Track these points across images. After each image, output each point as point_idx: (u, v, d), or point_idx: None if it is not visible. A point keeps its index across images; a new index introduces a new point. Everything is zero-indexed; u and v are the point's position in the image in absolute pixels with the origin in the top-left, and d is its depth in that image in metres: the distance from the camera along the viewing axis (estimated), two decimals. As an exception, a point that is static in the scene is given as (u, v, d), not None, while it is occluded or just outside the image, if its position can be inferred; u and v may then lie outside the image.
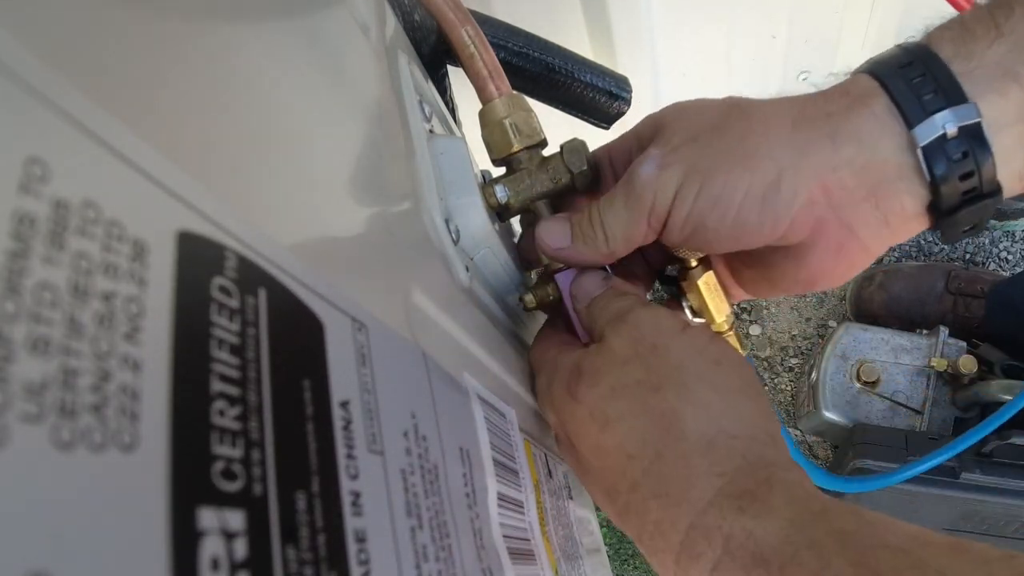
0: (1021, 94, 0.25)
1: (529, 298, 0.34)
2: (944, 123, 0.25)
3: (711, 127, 0.28)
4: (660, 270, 0.37)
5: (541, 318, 0.41)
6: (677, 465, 0.24)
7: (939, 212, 0.27)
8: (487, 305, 0.34)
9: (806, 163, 0.26)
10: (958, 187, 0.26)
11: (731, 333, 0.36)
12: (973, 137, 0.25)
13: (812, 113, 0.27)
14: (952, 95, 0.25)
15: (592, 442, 0.26)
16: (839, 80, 0.29)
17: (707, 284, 0.34)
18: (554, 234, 0.32)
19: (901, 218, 0.28)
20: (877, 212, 0.28)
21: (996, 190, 0.26)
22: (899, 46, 0.27)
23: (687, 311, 0.36)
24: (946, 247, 1.08)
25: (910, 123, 0.25)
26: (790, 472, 0.23)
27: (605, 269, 0.34)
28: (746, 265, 0.34)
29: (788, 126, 0.27)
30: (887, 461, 0.84)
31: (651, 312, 0.29)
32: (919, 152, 0.26)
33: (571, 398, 0.27)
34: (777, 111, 0.28)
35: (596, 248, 0.31)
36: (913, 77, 0.26)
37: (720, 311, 0.35)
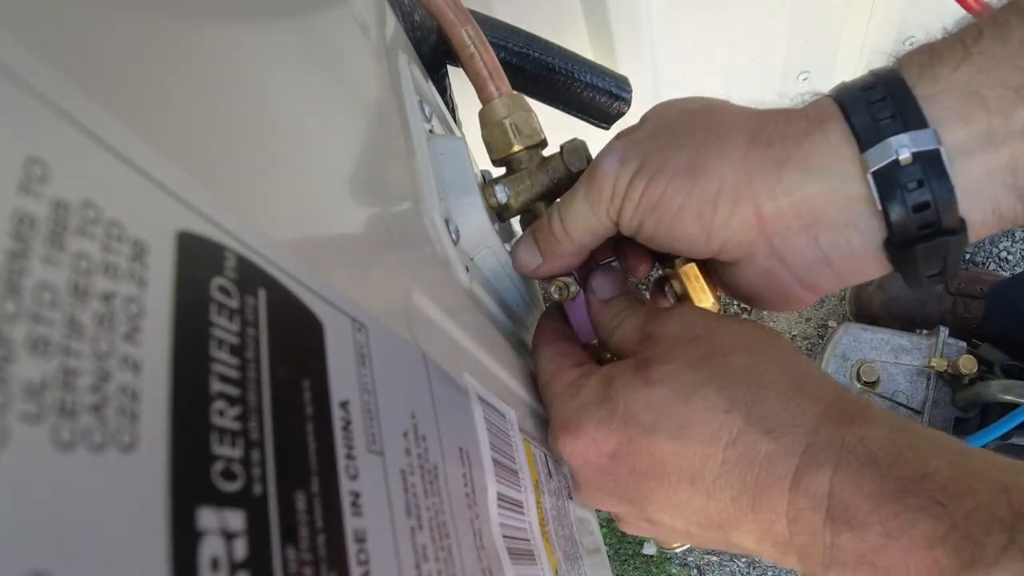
0: (987, 119, 0.23)
1: (568, 294, 0.34)
2: (898, 147, 0.23)
3: (675, 127, 0.29)
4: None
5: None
6: (777, 403, 0.24)
7: (893, 248, 0.25)
8: (487, 305, 0.34)
9: (747, 188, 0.26)
10: (912, 219, 0.24)
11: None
12: (930, 165, 0.23)
13: (768, 135, 0.26)
14: (911, 119, 0.24)
15: (676, 420, 0.25)
16: (811, 99, 0.28)
17: (687, 274, 0.35)
18: (524, 256, 0.33)
19: (845, 255, 0.27)
20: (816, 247, 0.27)
21: (958, 227, 0.25)
22: (871, 71, 0.26)
23: (670, 296, 0.36)
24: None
25: (862, 146, 0.24)
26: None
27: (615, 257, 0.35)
28: (707, 270, 0.34)
29: (742, 145, 0.26)
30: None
31: (684, 307, 0.30)
32: (869, 177, 0.24)
33: (645, 384, 0.26)
34: (738, 126, 0.27)
35: (563, 249, 0.31)
36: (873, 100, 0.24)
37: (701, 299, 0.35)
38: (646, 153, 0.28)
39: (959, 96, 0.23)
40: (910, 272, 0.26)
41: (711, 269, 0.33)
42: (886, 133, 0.24)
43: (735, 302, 1.29)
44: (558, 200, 0.33)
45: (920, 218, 0.24)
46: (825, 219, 0.26)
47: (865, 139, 0.24)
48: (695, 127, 0.28)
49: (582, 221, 0.30)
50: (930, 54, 0.25)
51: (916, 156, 0.23)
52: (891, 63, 0.26)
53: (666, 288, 0.36)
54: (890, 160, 0.24)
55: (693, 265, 0.35)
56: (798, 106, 0.28)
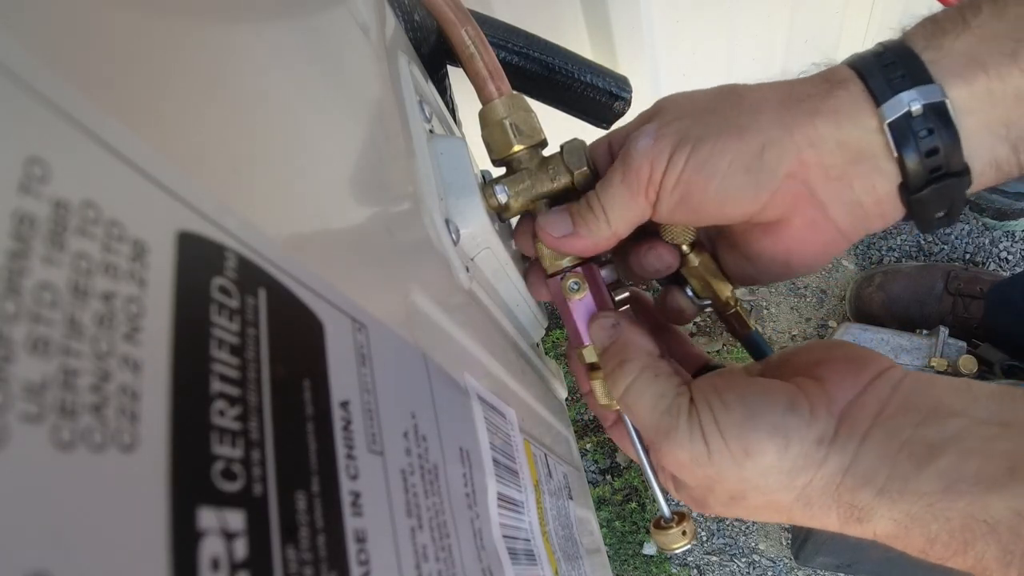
0: (988, 81, 0.26)
1: (584, 291, 0.34)
2: (910, 101, 0.27)
3: (704, 107, 0.30)
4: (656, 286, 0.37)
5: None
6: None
7: (908, 191, 0.28)
8: (487, 306, 0.34)
9: (789, 138, 0.28)
10: (924, 164, 0.27)
11: (737, 309, 0.37)
12: (938, 116, 0.27)
13: (797, 94, 0.29)
14: (918, 77, 0.27)
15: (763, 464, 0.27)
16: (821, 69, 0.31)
17: (705, 265, 0.35)
18: (556, 223, 0.32)
19: (874, 199, 0.29)
20: (851, 192, 0.29)
21: (963, 170, 0.28)
22: (879, 43, 0.30)
23: (691, 297, 0.36)
24: (946, 247, 1.08)
25: (878, 101, 0.27)
26: None
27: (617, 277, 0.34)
28: (729, 247, 0.35)
29: (775, 105, 0.29)
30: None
31: (659, 382, 0.30)
32: (886, 128, 0.27)
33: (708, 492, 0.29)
34: (767, 93, 0.30)
35: (600, 231, 0.32)
36: (885, 63, 0.28)
37: (722, 289, 0.36)
38: (683, 128, 0.29)
39: (961, 60, 0.27)
40: (921, 214, 0.29)
41: (736, 247, 0.34)
42: (898, 88, 0.27)
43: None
44: (595, 186, 0.33)
45: (930, 162, 0.27)
46: (855, 163, 0.29)
47: (880, 95, 0.27)
48: (723, 102, 0.30)
49: (620, 206, 0.31)
50: (933, 26, 0.28)
51: (925, 108, 0.27)
52: (898, 36, 0.29)
53: (687, 290, 0.36)
54: (903, 112, 0.27)
55: (707, 256, 0.35)
56: (813, 74, 0.31)
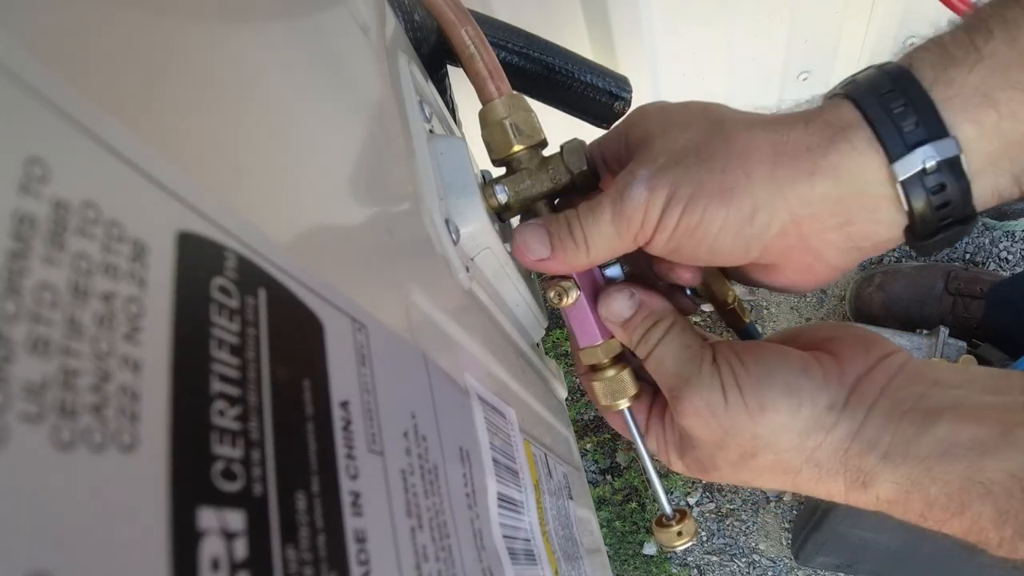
0: (998, 121, 0.25)
1: (567, 300, 0.34)
2: (925, 158, 0.25)
3: (695, 151, 0.29)
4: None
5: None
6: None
7: (915, 237, 0.28)
8: (487, 306, 0.34)
9: (781, 200, 0.28)
10: (934, 216, 0.27)
11: (735, 306, 0.37)
12: (951, 170, 0.26)
13: (793, 147, 0.28)
14: (933, 128, 0.26)
15: (779, 420, 0.28)
16: (819, 102, 0.29)
17: (709, 270, 0.35)
18: (533, 244, 0.32)
19: (872, 243, 0.29)
20: (848, 240, 0.29)
21: (971, 215, 0.27)
22: (879, 68, 0.28)
23: (690, 297, 0.36)
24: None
25: (891, 157, 0.26)
26: None
27: (618, 266, 0.34)
28: (730, 270, 0.36)
29: (768, 160, 0.28)
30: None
31: (686, 338, 0.32)
32: (898, 186, 0.26)
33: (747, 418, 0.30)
34: (758, 142, 0.28)
35: (577, 260, 0.32)
36: (894, 107, 0.26)
37: (722, 291, 0.36)
38: (675, 179, 0.29)
39: (972, 98, 0.25)
40: (924, 250, 0.29)
41: (734, 270, 0.34)
42: (911, 142, 0.26)
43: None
44: (581, 204, 0.32)
45: (940, 214, 0.27)
46: (855, 216, 0.28)
47: (893, 150, 0.26)
48: (713, 148, 0.29)
49: (605, 243, 0.31)
50: (941, 53, 0.26)
51: (939, 164, 0.26)
52: (900, 59, 0.27)
53: (687, 291, 0.36)
54: (917, 170, 0.26)
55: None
56: (811, 109, 0.29)
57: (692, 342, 0.31)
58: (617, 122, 0.48)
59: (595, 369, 0.34)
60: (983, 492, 0.24)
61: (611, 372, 0.34)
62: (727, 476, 0.31)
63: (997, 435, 0.24)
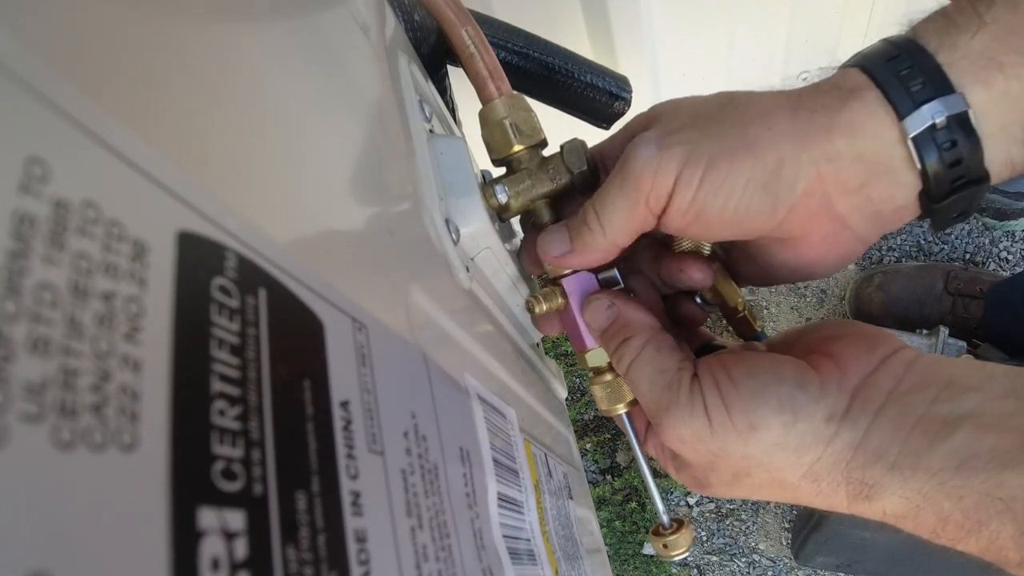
0: (1005, 83, 0.25)
1: (540, 308, 0.34)
2: (933, 114, 0.26)
3: (709, 116, 0.29)
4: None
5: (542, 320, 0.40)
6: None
7: (930, 200, 0.28)
8: (487, 306, 0.34)
9: (805, 154, 0.27)
10: (948, 175, 0.27)
11: (745, 313, 0.37)
12: (961, 126, 0.26)
13: (809, 105, 0.28)
14: (940, 86, 0.26)
15: (772, 438, 0.27)
16: (828, 74, 0.29)
17: (718, 273, 0.35)
18: (554, 242, 0.32)
19: (893, 207, 0.28)
20: (869, 203, 0.28)
21: (984, 176, 0.27)
22: (885, 40, 0.28)
23: (700, 305, 0.36)
24: (946, 247, 1.08)
25: (900, 114, 0.26)
26: None
27: (615, 271, 0.34)
28: (744, 258, 0.34)
29: (787, 117, 0.28)
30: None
31: (661, 354, 0.30)
32: (910, 142, 0.26)
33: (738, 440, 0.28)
34: (774, 103, 0.28)
35: (596, 243, 0.31)
36: (901, 69, 0.26)
37: (732, 296, 0.36)
38: (690, 140, 0.28)
39: (977, 61, 0.25)
40: (939, 216, 0.29)
41: (751, 257, 0.33)
42: (919, 100, 0.26)
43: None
44: (590, 199, 0.32)
45: (953, 173, 0.27)
46: (874, 176, 0.28)
47: (902, 107, 0.26)
48: (728, 112, 0.28)
49: (620, 217, 0.30)
50: (945, 21, 0.26)
51: (949, 119, 0.26)
52: (906, 31, 0.28)
53: (696, 298, 0.35)
54: (927, 126, 0.26)
55: (719, 264, 0.35)
56: (822, 80, 0.29)
57: (667, 365, 0.29)
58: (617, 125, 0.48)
59: (596, 372, 0.34)
60: (1002, 509, 0.22)
61: (609, 376, 0.34)
62: (723, 493, 0.30)
63: (1020, 447, 0.22)
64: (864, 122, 0.27)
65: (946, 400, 0.25)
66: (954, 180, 0.27)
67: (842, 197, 0.28)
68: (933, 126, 0.26)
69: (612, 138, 0.34)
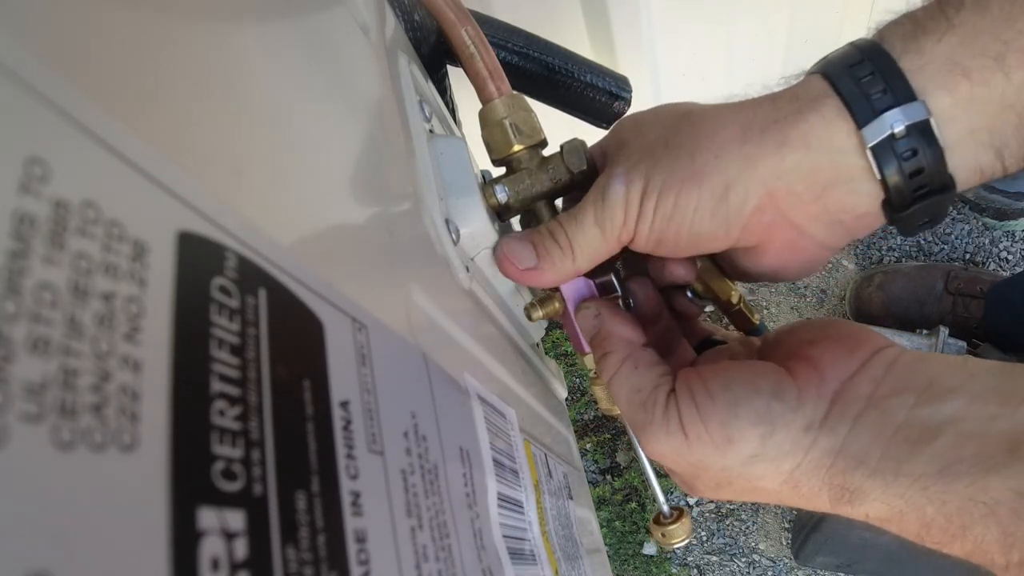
0: (970, 88, 0.25)
1: (537, 314, 0.34)
2: (892, 122, 0.25)
3: (664, 142, 0.29)
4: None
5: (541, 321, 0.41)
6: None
7: (892, 209, 0.27)
8: (487, 305, 0.34)
9: (753, 173, 0.27)
10: (908, 184, 0.26)
11: (741, 306, 0.36)
12: (922, 134, 0.25)
13: (761, 121, 0.28)
14: (900, 93, 0.25)
15: (748, 451, 0.27)
16: (791, 81, 0.29)
17: (705, 269, 0.35)
18: (520, 255, 0.32)
19: (853, 216, 0.28)
20: (827, 212, 0.28)
21: (949, 184, 0.27)
22: (852, 44, 0.28)
23: (692, 300, 0.36)
24: (946, 247, 1.08)
25: (859, 123, 0.26)
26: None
27: (611, 276, 0.34)
28: (722, 260, 0.35)
29: (736, 138, 0.28)
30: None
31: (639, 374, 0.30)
32: (868, 152, 0.26)
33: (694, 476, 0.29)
34: (725, 121, 0.28)
35: (564, 267, 0.31)
36: (862, 76, 0.26)
37: (724, 290, 0.36)
38: (647, 171, 0.29)
39: (942, 67, 0.25)
40: (904, 224, 0.28)
41: (724, 260, 0.34)
42: (879, 108, 0.25)
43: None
44: (560, 213, 0.32)
45: (914, 183, 0.26)
46: (831, 187, 0.27)
47: (860, 116, 0.26)
48: (681, 137, 0.29)
49: (591, 246, 0.31)
50: (913, 25, 0.26)
51: (908, 128, 0.25)
52: (873, 34, 0.27)
53: (687, 292, 0.36)
54: (886, 135, 0.25)
55: (708, 262, 0.35)
56: (783, 88, 0.29)
57: (643, 384, 0.29)
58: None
59: (596, 373, 0.34)
60: (986, 513, 0.22)
61: None
62: (711, 496, 0.30)
63: (1004, 451, 0.22)
64: (819, 135, 0.26)
65: (927, 403, 0.24)
66: (915, 189, 0.26)
67: (796, 209, 0.28)
68: (892, 135, 0.25)
69: (592, 149, 0.35)
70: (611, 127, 0.33)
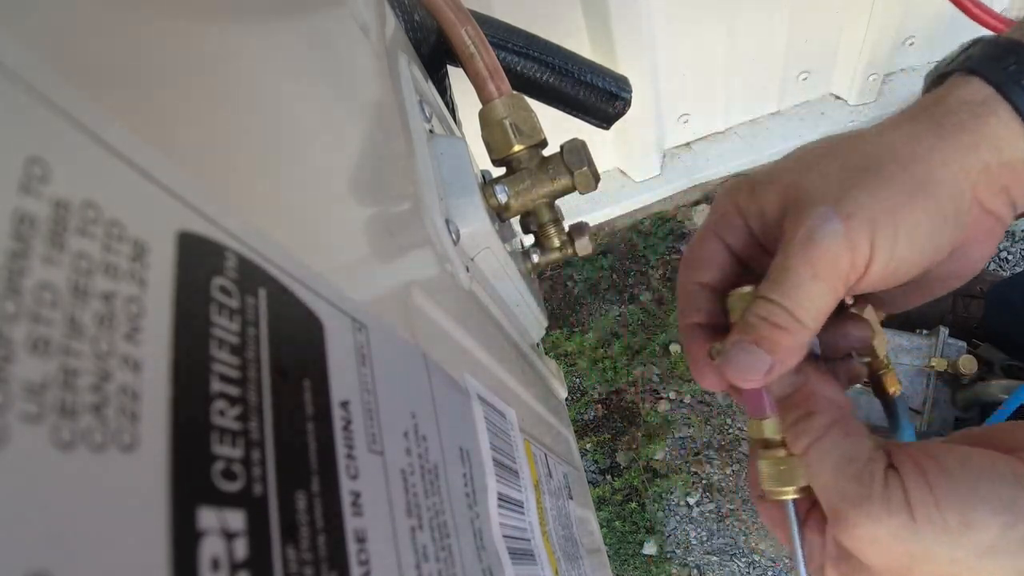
0: None
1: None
2: None
3: (859, 168, 0.27)
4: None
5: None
6: None
7: None
8: (487, 306, 0.34)
9: (965, 177, 0.27)
10: None
11: (886, 369, 0.35)
12: None
13: (948, 126, 0.28)
14: None
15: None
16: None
17: (872, 321, 0.32)
18: (752, 367, 0.28)
19: None
20: (1010, 197, 0.28)
21: None
22: (990, 43, 0.29)
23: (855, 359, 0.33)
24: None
25: None
26: None
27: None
28: (901, 289, 0.32)
29: (936, 144, 0.27)
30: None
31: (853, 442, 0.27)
32: None
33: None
34: (912, 133, 0.28)
35: (799, 344, 0.27)
36: (1021, 78, 0.27)
37: (881, 347, 0.34)
38: (866, 202, 0.26)
39: None
40: None
41: (887, 294, 0.32)
42: None
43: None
44: (754, 289, 0.28)
45: None
46: (1015, 178, 0.28)
47: None
48: (873, 158, 0.27)
49: (817, 305, 0.27)
50: None
51: None
52: (1008, 33, 0.29)
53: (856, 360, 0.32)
54: None
55: (870, 309, 0.32)
56: (929, 94, 0.29)
57: (858, 453, 0.26)
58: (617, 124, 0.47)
59: (766, 446, 0.29)
60: None
61: (783, 453, 0.29)
62: None
63: None
64: (1004, 135, 0.27)
65: None
66: None
67: (992, 199, 0.28)
68: None
69: (725, 220, 0.31)
70: (748, 186, 0.30)
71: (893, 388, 0.34)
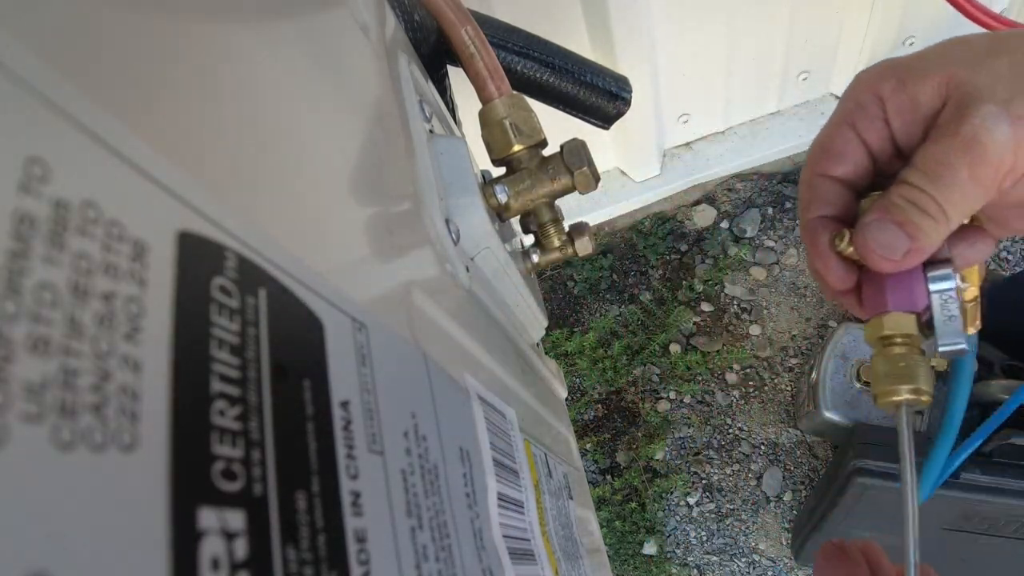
0: None
1: (843, 245, 0.29)
2: None
3: (999, 56, 0.26)
4: None
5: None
6: None
7: None
8: (487, 305, 0.34)
9: None
10: None
11: (975, 303, 0.34)
12: None
13: None
14: None
15: None
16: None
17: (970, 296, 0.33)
18: (891, 245, 0.28)
19: None
20: None
21: None
22: None
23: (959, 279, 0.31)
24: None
25: None
26: None
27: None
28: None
29: None
30: (887, 461, 0.84)
31: None
32: None
33: None
34: None
35: (940, 235, 0.27)
36: None
37: (975, 279, 0.34)
38: None
39: None
40: None
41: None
42: None
43: (735, 304, 1.29)
44: (905, 172, 0.27)
45: None
46: None
47: None
48: (1010, 55, 0.27)
49: (967, 203, 0.26)
50: None
51: None
52: None
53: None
54: None
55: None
56: None
57: None
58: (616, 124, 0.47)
59: (885, 343, 0.29)
60: None
61: (902, 349, 0.28)
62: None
63: None
64: None
65: None
66: None
67: None
68: None
69: (864, 112, 0.29)
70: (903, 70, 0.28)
71: (972, 328, 0.34)
